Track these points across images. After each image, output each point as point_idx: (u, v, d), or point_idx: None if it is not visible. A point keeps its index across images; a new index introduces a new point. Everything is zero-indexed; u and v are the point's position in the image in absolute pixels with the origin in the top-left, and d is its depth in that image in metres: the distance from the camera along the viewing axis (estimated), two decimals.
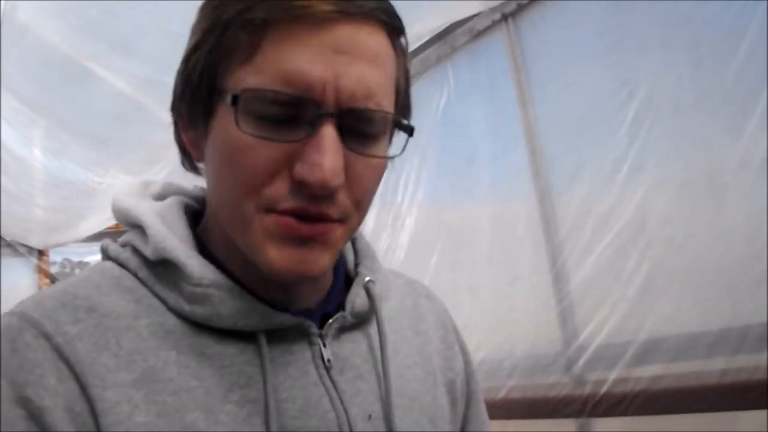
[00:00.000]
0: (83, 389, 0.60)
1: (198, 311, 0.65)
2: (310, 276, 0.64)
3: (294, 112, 0.61)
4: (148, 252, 0.67)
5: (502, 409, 1.93)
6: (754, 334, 1.54)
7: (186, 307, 0.65)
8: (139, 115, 2.55)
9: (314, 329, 0.70)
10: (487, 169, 2.26)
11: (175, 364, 0.63)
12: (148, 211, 0.70)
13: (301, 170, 0.60)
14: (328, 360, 0.70)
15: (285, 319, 0.68)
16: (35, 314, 0.62)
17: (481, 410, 0.90)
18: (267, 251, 0.62)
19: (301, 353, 0.69)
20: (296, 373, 0.68)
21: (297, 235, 0.62)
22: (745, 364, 1.54)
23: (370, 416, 0.71)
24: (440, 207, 2.49)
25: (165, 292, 0.66)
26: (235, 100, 0.60)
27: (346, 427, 0.68)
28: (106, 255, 0.71)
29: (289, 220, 0.61)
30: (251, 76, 0.60)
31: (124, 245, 0.71)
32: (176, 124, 0.70)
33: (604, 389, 1.71)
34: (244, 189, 0.62)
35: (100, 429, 0.59)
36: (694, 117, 1.67)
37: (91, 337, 0.62)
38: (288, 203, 0.61)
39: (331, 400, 0.69)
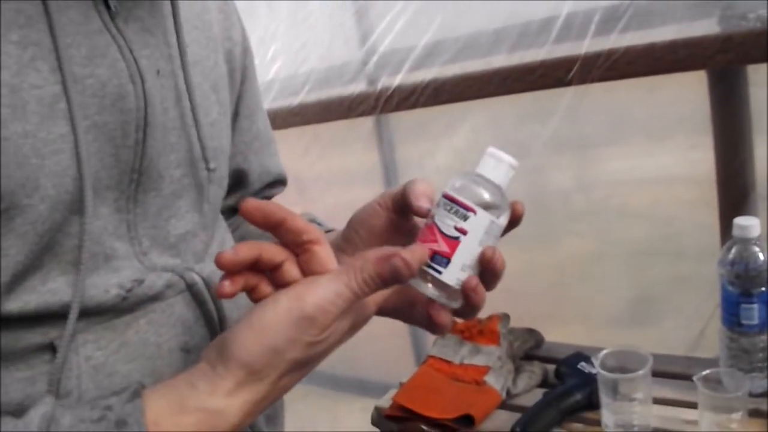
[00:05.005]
0: None
1: None
2: None
3: None
4: None
5: (298, 116, 1.89)
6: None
7: None
8: None
9: None
10: None
11: None
12: None
13: None
14: (114, 6, 0.64)
15: None
16: None
17: (255, 86, 0.91)
18: None
19: None
20: (78, 18, 0.62)
21: None
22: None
23: (158, 71, 0.68)
24: None
25: None
26: None
27: (137, 78, 0.65)
28: None
29: None
30: None
31: None
32: None
33: (395, 84, 1.69)
34: None
35: None
36: None
37: None
38: None
39: (119, 48, 0.64)
